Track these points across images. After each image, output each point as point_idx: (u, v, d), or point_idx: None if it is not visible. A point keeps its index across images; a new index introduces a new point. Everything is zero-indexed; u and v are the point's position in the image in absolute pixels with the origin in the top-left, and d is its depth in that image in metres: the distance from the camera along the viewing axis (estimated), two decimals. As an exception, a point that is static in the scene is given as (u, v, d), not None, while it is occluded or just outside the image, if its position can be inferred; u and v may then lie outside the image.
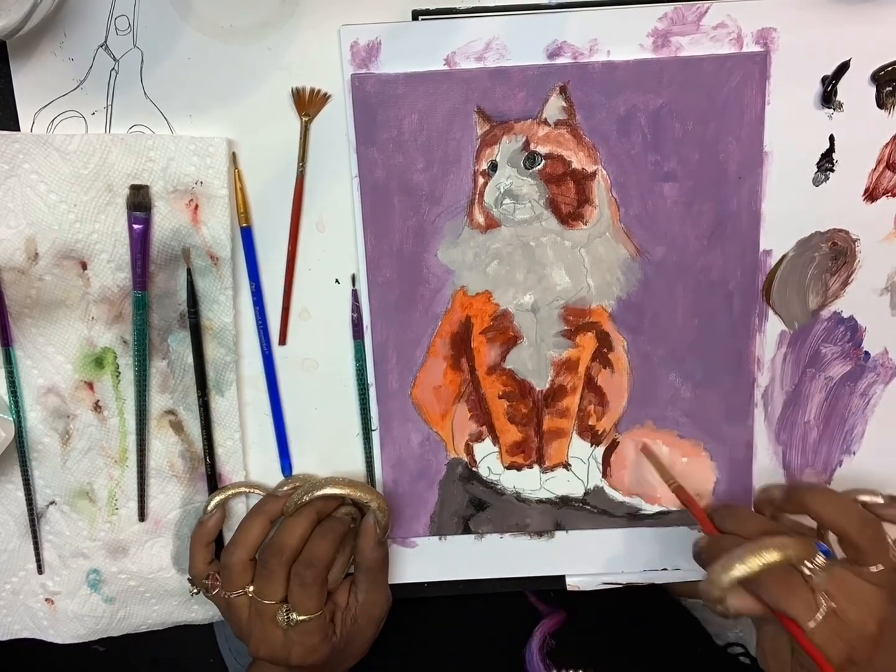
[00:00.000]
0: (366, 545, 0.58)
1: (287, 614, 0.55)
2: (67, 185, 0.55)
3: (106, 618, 0.64)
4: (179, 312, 0.58)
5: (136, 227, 0.55)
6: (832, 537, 0.54)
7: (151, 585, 0.63)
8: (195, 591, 0.60)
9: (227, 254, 0.56)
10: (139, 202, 0.54)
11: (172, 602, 0.64)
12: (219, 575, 0.58)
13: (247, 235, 0.57)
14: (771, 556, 0.49)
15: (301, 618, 0.55)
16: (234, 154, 0.55)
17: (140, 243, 0.55)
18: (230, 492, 0.60)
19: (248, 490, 0.61)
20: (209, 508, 0.60)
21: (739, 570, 0.49)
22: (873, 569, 0.50)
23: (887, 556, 0.51)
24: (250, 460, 0.61)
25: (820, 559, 0.50)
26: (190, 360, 0.58)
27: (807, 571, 0.50)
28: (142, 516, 0.61)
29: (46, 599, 0.63)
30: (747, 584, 0.50)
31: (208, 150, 0.54)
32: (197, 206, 0.55)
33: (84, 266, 0.56)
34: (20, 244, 0.55)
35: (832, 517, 0.51)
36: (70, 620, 0.64)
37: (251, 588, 0.56)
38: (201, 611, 0.64)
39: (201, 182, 0.55)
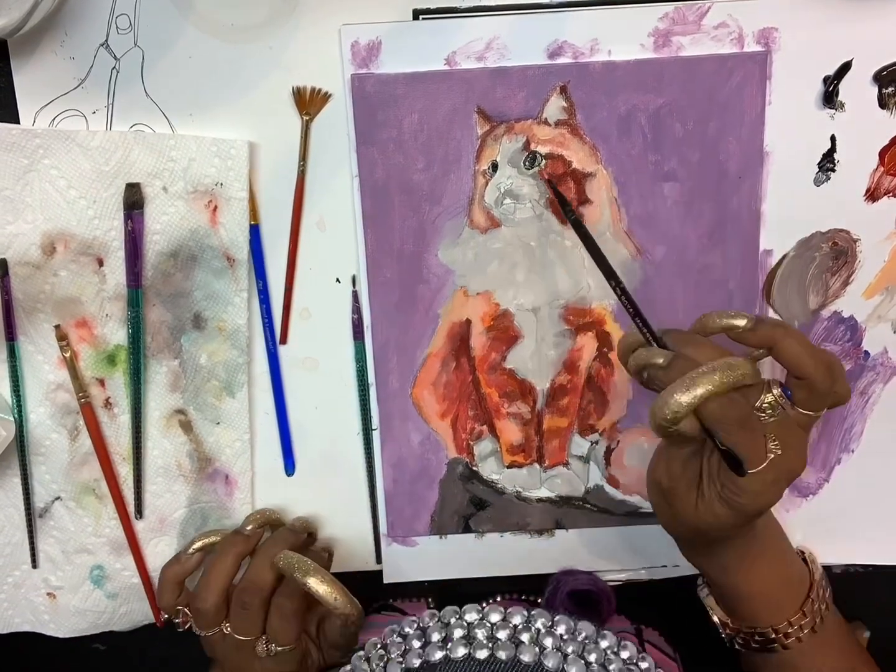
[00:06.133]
0: (333, 638, 0.58)
1: (267, 645, 0.55)
2: (88, 181, 0.55)
3: (108, 613, 0.64)
4: (193, 312, 0.58)
5: (131, 224, 0.55)
6: None
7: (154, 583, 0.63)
8: (166, 618, 0.59)
9: (244, 256, 0.56)
10: (134, 200, 0.55)
11: (174, 600, 0.64)
12: (189, 611, 0.58)
13: (254, 233, 0.57)
14: (736, 377, 0.45)
15: (280, 648, 0.55)
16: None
17: (134, 240, 0.55)
18: (214, 538, 0.59)
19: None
20: (191, 550, 0.59)
21: (704, 389, 0.45)
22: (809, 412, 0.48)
23: (829, 404, 0.49)
24: (252, 460, 0.61)
25: (780, 400, 0.47)
26: (202, 360, 0.58)
27: (765, 414, 0.47)
28: (139, 513, 0.61)
29: (48, 594, 0.63)
30: (701, 412, 0.46)
31: (230, 153, 0.54)
32: (216, 208, 0.56)
33: (101, 263, 0.56)
34: (36, 239, 0.55)
35: (801, 358, 0.47)
36: (71, 615, 0.64)
37: (227, 625, 0.56)
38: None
39: (221, 184, 0.55)
